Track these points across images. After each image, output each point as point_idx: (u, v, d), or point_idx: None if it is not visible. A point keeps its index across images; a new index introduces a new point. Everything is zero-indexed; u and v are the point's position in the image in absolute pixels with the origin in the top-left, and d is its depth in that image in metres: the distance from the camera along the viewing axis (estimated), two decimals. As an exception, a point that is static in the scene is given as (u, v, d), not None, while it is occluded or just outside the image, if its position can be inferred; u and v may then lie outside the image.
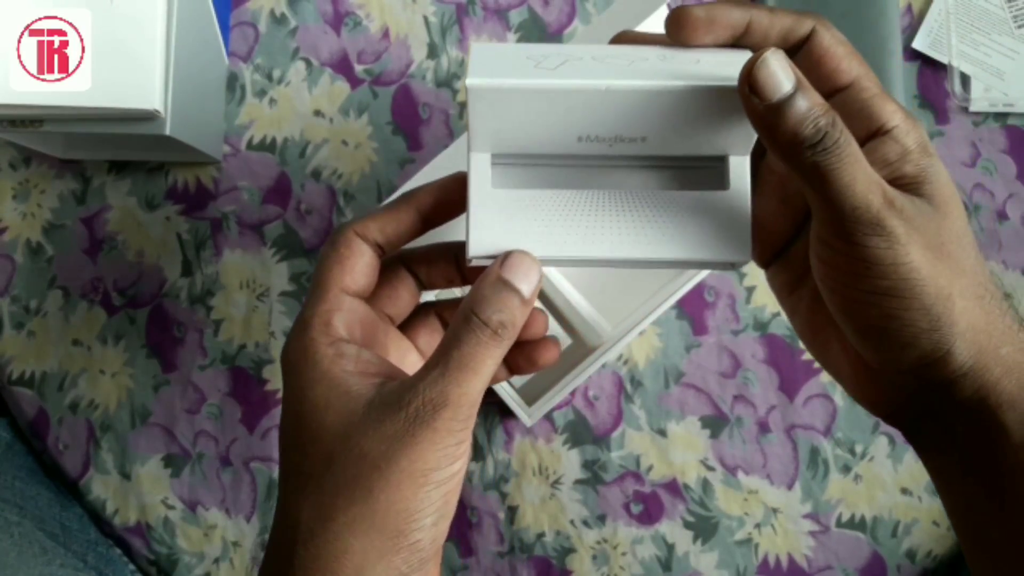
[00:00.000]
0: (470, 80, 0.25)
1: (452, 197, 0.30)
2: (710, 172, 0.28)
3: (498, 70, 0.26)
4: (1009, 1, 0.55)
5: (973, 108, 0.54)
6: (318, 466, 0.26)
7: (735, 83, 0.24)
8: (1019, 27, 0.55)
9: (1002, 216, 0.54)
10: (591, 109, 0.26)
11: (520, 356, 0.32)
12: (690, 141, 0.27)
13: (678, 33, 0.27)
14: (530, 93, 0.25)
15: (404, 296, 0.32)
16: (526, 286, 0.26)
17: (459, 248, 0.32)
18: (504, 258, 0.27)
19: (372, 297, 0.31)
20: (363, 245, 0.30)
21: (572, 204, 0.28)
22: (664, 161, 0.28)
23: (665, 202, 0.28)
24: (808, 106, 0.23)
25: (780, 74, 0.23)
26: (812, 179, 0.24)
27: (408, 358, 0.33)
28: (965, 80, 0.55)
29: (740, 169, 0.28)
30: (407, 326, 0.34)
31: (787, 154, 0.24)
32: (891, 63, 0.54)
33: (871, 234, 0.24)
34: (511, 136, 0.27)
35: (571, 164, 0.28)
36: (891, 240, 0.24)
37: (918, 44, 0.55)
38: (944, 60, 0.55)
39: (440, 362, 0.26)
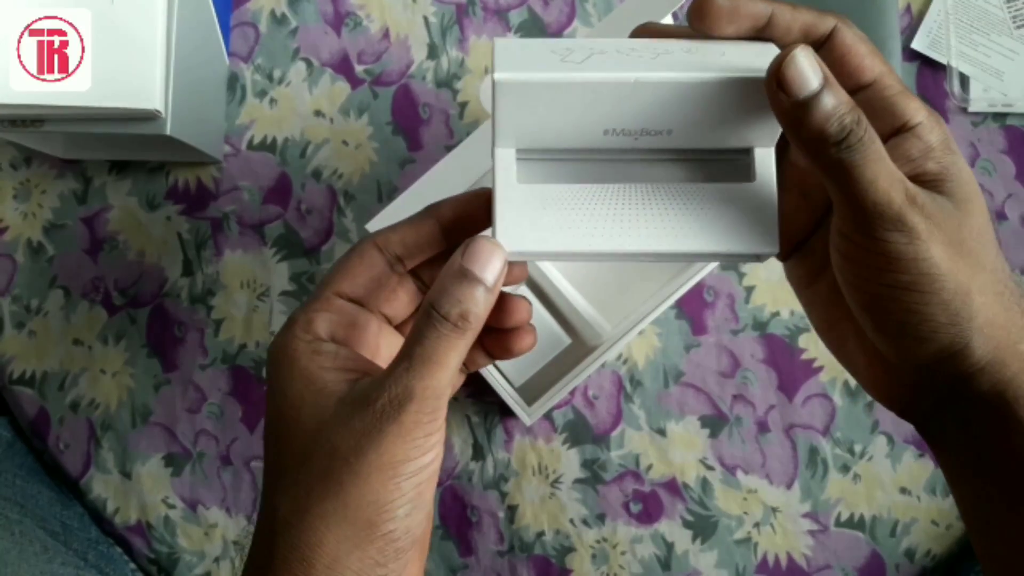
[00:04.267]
0: (498, 74, 0.25)
1: (475, 213, 0.30)
2: (735, 164, 0.28)
3: (524, 64, 0.25)
4: (1008, 1, 0.55)
5: (972, 108, 0.55)
6: (294, 461, 0.27)
7: (763, 75, 0.24)
8: (1018, 27, 0.55)
9: (1001, 216, 0.54)
10: (619, 102, 0.26)
11: (496, 343, 0.32)
12: (716, 133, 0.27)
13: (700, 22, 0.27)
14: (558, 87, 0.25)
15: (402, 297, 0.32)
16: (489, 274, 0.26)
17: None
18: (466, 246, 0.27)
19: (370, 298, 0.31)
20: (376, 256, 0.30)
21: (598, 198, 0.27)
22: (689, 154, 0.28)
23: (691, 195, 0.27)
24: (835, 104, 0.23)
25: (808, 71, 0.23)
26: (836, 175, 0.24)
27: None
28: (964, 80, 0.55)
29: (766, 161, 0.28)
30: (408, 321, 0.34)
31: (812, 150, 0.24)
32: (890, 63, 0.54)
33: (892, 230, 0.24)
34: (537, 130, 0.27)
35: (596, 158, 0.28)
36: (912, 236, 0.24)
37: (917, 44, 0.55)
38: (943, 60, 0.55)
39: (404, 358, 0.26)
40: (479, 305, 0.26)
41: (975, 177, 0.57)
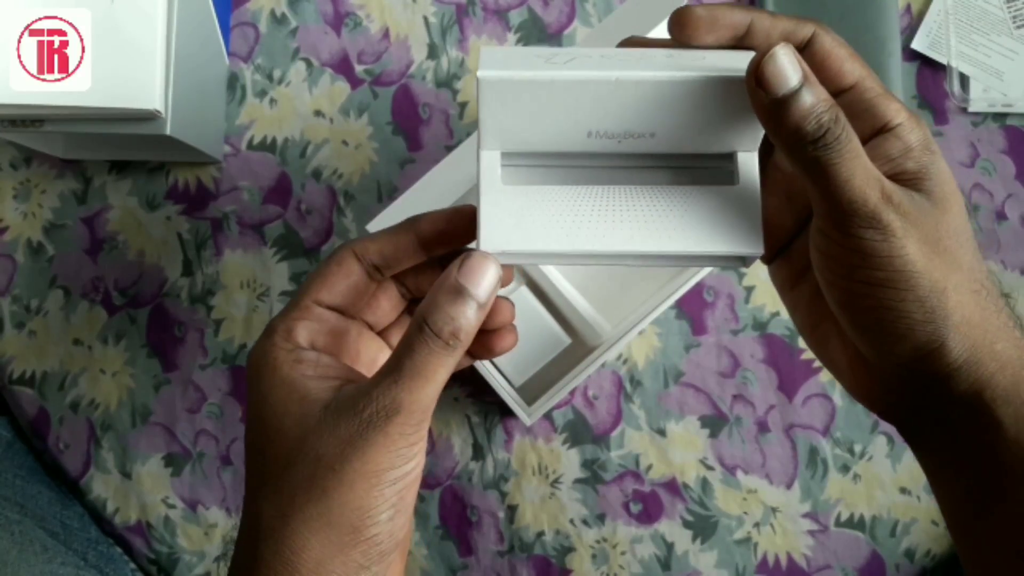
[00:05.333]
0: (481, 72, 0.25)
1: (455, 229, 0.30)
2: (718, 169, 0.28)
3: (508, 65, 0.26)
4: (1008, 1, 0.55)
5: (972, 108, 0.55)
6: (278, 467, 0.27)
7: (743, 74, 0.25)
8: (1018, 27, 0.55)
9: (1001, 216, 0.54)
10: (601, 102, 0.26)
11: (478, 343, 0.32)
12: (699, 137, 0.27)
13: (681, 32, 0.27)
14: (540, 85, 0.25)
15: (384, 305, 0.32)
16: (483, 290, 0.26)
17: (445, 256, 0.32)
18: (462, 261, 0.27)
19: (350, 306, 0.31)
20: (354, 265, 0.30)
21: (583, 199, 0.28)
22: (673, 159, 0.28)
23: (675, 197, 0.28)
24: (813, 102, 0.24)
25: (788, 69, 0.24)
26: (812, 173, 0.24)
27: (380, 358, 0.33)
28: (964, 80, 0.55)
29: (749, 164, 0.28)
30: (391, 326, 0.34)
31: (789, 148, 0.24)
32: (890, 63, 0.54)
33: (867, 227, 0.24)
34: (521, 132, 0.27)
35: (580, 164, 0.29)
36: (887, 233, 0.24)
37: (917, 44, 0.55)
38: (943, 60, 0.55)
39: (393, 370, 0.26)
40: (471, 322, 0.26)
41: (975, 177, 0.57)
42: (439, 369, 0.26)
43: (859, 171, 0.24)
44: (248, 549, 0.27)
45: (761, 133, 0.27)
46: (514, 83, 0.25)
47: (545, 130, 0.27)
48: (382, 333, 0.33)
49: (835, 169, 0.24)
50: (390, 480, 0.26)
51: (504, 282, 0.31)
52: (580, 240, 0.27)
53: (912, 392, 0.27)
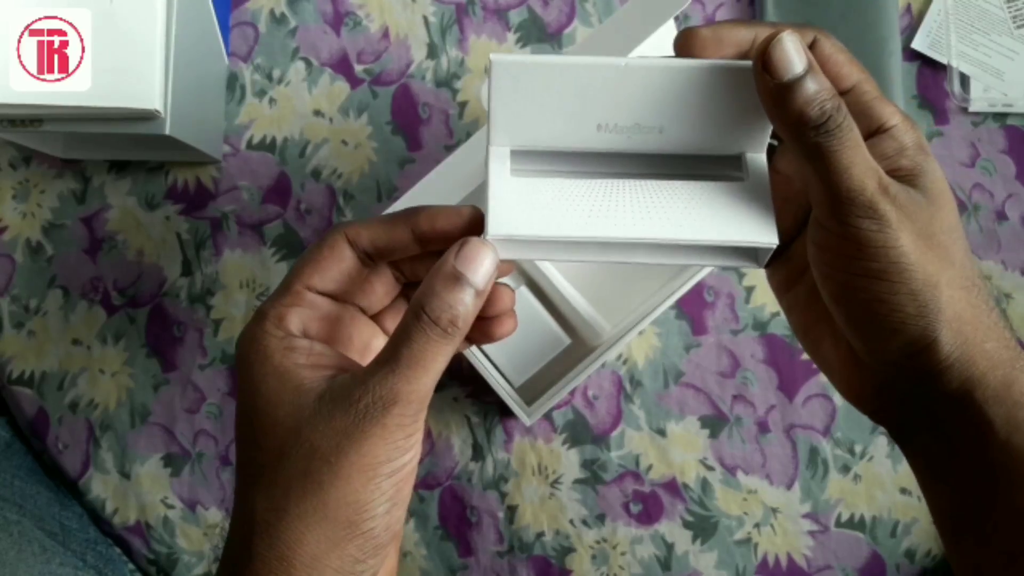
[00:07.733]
0: (494, 55, 0.26)
1: (453, 229, 0.29)
2: (727, 168, 0.29)
3: (520, 55, 0.27)
4: (1008, 1, 0.55)
5: (972, 108, 0.55)
6: (271, 459, 0.27)
7: (750, 64, 0.26)
8: (1018, 27, 0.55)
9: (1001, 216, 0.54)
10: (610, 88, 0.27)
11: (477, 329, 0.32)
12: (706, 134, 0.28)
13: (687, 53, 0.28)
14: (551, 68, 0.26)
15: (378, 289, 0.32)
16: (481, 277, 0.26)
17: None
18: (459, 247, 0.26)
19: (342, 292, 0.31)
20: (347, 250, 0.30)
21: (593, 191, 0.28)
22: (681, 161, 0.29)
23: (686, 190, 0.28)
24: (817, 89, 0.25)
25: (794, 55, 0.25)
26: (813, 159, 0.25)
27: (374, 343, 0.33)
28: (964, 80, 0.55)
29: (758, 162, 0.29)
30: (385, 311, 0.33)
31: (792, 133, 0.25)
32: (890, 63, 0.54)
33: (864, 216, 0.25)
34: (531, 124, 0.28)
35: (589, 163, 0.29)
36: (883, 223, 0.25)
37: (917, 44, 0.55)
38: (943, 60, 0.55)
39: (390, 359, 0.26)
40: (469, 309, 0.26)
41: (975, 177, 0.57)
42: (437, 358, 0.26)
43: (858, 160, 0.25)
44: (241, 543, 0.27)
45: (768, 132, 0.28)
46: (526, 66, 0.26)
47: (555, 122, 0.27)
48: (376, 317, 0.33)
49: (836, 156, 0.24)
50: (387, 473, 0.26)
51: (504, 272, 0.31)
52: (591, 226, 0.27)
53: (903, 391, 0.27)
